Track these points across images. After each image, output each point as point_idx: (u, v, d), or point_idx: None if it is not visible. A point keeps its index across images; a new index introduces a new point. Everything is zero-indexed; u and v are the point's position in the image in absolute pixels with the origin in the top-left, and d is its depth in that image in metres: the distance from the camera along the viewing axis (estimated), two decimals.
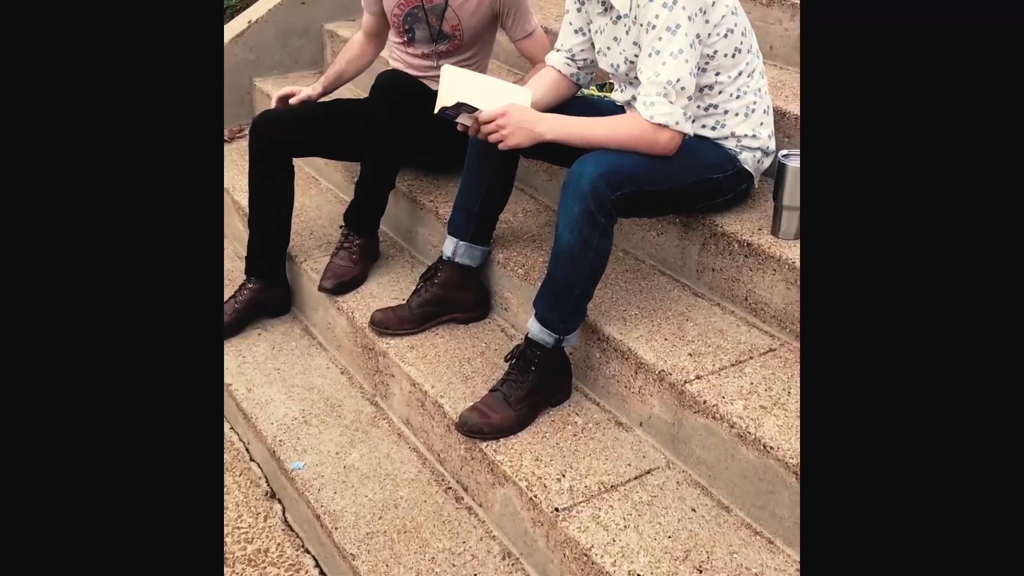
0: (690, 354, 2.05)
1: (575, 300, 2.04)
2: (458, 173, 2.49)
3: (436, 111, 2.13)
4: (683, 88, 1.96)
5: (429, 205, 2.75)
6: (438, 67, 2.72)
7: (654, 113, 1.96)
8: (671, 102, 1.96)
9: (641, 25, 1.98)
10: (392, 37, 2.86)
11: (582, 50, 2.27)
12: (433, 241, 2.76)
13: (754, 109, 2.15)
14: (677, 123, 1.98)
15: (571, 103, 2.32)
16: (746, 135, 2.16)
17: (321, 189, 3.31)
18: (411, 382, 2.31)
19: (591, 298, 2.09)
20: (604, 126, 2.02)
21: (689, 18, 1.94)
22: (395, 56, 2.88)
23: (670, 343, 2.09)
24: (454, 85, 2.13)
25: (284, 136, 2.70)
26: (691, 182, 2.09)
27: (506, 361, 2.15)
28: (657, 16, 1.94)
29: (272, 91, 3.75)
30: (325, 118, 2.78)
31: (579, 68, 2.29)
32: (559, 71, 2.30)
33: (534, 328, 2.08)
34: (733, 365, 2.01)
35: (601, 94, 2.59)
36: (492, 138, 2.08)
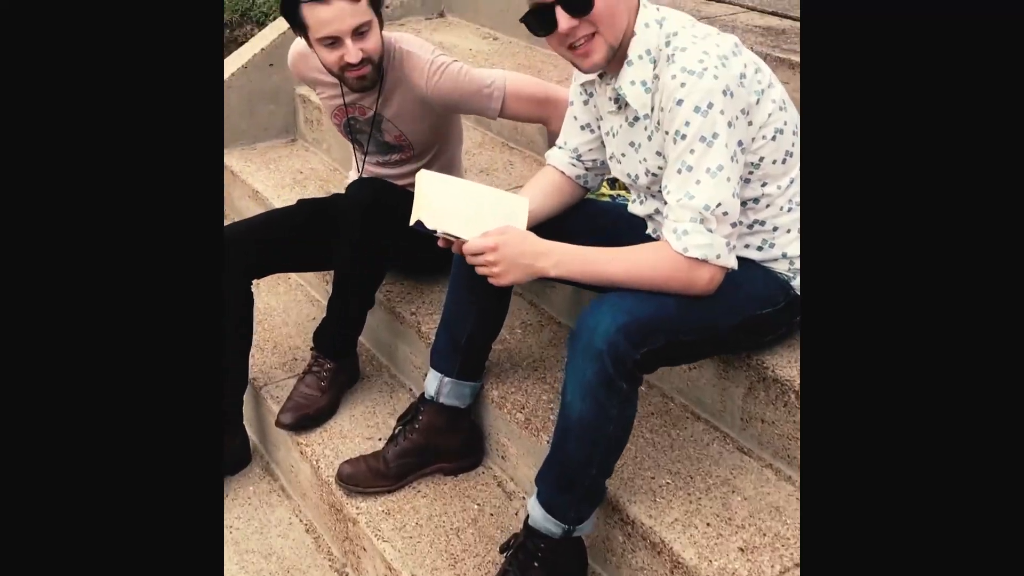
0: (741, 549, 1.59)
1: (590, 481, 1.59)
2: (445, 277, 2.04)
3: (412, 223, 1.69)
4: (725, 213, 1.50)
5: (410, 319, 2.30)
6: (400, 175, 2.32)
7: (688, 245, 1.51)
8: (710, 230, 1.50)
9: (667, 132, 1.53)
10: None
11: (590, 149, 1.82)
12: (415, 361, 2.31)
13: None
14: (719, 256, 1.52)
15: (577, 209, 1.87)
16: (800, 255, 1.70)
17: (290, 286, 2.86)
18: (387, 565, 1.85)
19: (611, 473, 1.63)
20: (625, 261, 1.56)
21: (729, 124, 1.49)
22: (357, 161, 2.45)
23: (714, 530, 1.63)
24: (431, 196, 1.69)
25: (268, 249, 2.23)
26: (735, 323, 1.63)
27: (501, 552, 1.69)
28: (687, 123, 1.49)
29: (237, 165, 3.32)
30: (303, 218, 2.33)
31: (587, 169, 1.84)
32: (563, 172, 1.85)
33: (537, 514, 1.63)
34: (799, 566, 1.55)
35: (614, 193, 2.14)
36: (480, 271, 1.64)
